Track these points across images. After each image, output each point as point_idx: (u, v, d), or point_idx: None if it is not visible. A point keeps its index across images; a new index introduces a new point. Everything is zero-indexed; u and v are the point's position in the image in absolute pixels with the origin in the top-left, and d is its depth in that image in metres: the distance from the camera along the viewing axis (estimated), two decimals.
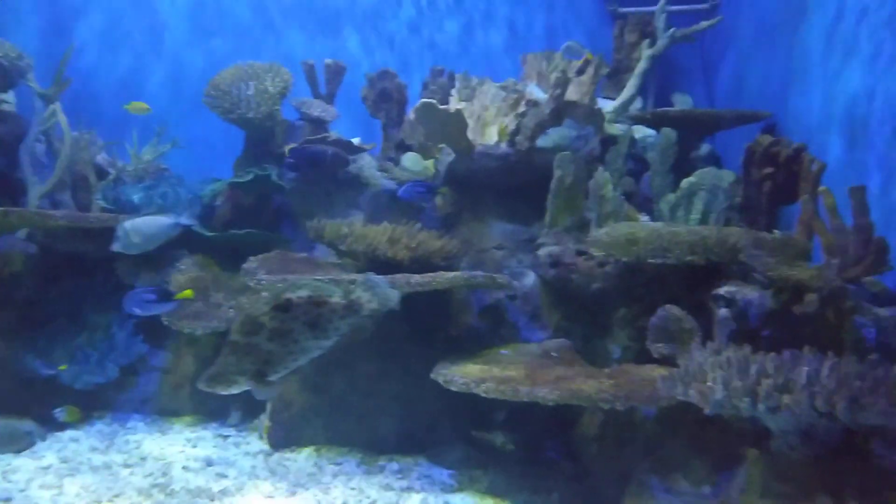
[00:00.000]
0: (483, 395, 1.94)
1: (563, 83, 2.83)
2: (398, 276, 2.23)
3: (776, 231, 2.29)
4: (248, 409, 2.71)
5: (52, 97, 3.15)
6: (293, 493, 2.14)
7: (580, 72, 3.14)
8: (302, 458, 2.40)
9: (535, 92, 3.14)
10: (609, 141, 3.09)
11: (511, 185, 2.96)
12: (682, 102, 4.26)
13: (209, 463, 2.37)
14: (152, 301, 2.38)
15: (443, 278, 2.23)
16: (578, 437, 2.24)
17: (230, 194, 3.09)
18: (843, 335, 1.83)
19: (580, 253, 2.45)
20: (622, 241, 2.19)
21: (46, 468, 2.29)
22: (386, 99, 3.68)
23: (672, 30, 3.86)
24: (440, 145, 3.11)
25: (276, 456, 2.43)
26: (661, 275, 2.26)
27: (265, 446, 2.51)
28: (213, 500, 2.09)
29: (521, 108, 2.91)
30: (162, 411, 2.78)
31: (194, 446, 2.51)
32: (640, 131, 3.36)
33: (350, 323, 1.70)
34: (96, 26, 4.14)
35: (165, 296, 2.42)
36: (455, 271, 2.42)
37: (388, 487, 2.19)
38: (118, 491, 2.12)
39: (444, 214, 3.06)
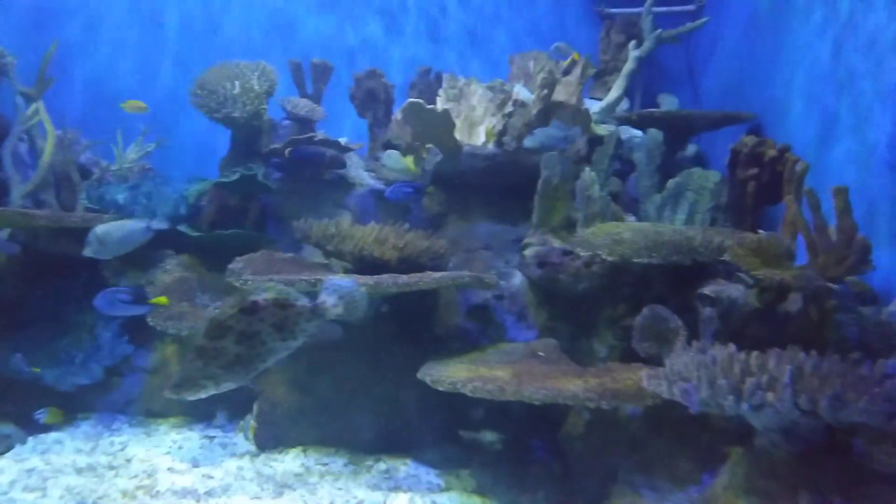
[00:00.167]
0: (470, 394, 1.94)
1: (551, 84, 2.85)
2: (385, 276, 2.23)
3: (761, 231, 2.30)
4: (234, 410, 2.70)
5: (34, 96, 3.12)
6: (280, 494, 2.13)
7: (566, 72, 3.16)
8: (289, 459, 2.39)
9: (522, 92, 3.15)
10: (596, 141, 3.10)
11: (498, 186, 2.96)
12: (668, 103, 4.28)
13: (195, 464, 2.35)
14: (127, 302, 2.36)
15: (430, 278, 2.22)
16: (565, 436, 2.24)
17: (216, 194, 3.07)
18: (826, 334, 1.85)
19: (567, 253, 2.46)
20: (608, 242, 2.20)
21: (30, 471, 2.26)
22: (373, 99, 3.68)
23: (658, 31, 3.89)
24: (428, 145, 3.11)
25: (263, 457, 2.42)
26: (647, 274, 2.27)
27: (252, 447, 2.49)
28: (198, 501, 2.08)
29: (509, 109, 2.92)
30: (147, 412, 2.76)
31: (180, 447, 2.50)
32: (627, 132, 3.38)
33: (317, 325, 1.72)
34: (83, 23, 4.11)
35: (140, 298, 2.40)
36: (442, 271, 2.42)
37: (375, 487, 2.19)
38: (102, 493, 2.10)
39: (432, 214, 3.07)
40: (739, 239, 2.10)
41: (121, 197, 2.89)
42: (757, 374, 1.51)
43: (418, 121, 2.82)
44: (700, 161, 3.48)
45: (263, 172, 3.06)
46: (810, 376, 1.49)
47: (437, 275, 2.28)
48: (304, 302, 1.68)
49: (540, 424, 2.36)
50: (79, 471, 2.27)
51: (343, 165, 3.20)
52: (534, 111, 2.86)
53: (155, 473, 2.27)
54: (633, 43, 3.90)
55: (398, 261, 2.44)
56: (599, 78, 4.31)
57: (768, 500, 1.57)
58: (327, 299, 1.72)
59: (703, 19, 3.99)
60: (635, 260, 2.13)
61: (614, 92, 3.72)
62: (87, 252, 2.51)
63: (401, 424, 2.45)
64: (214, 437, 2.61)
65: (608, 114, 3.59)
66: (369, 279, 2.18)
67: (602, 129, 3.27)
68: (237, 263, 2.38)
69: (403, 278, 2.20)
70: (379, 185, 3.21)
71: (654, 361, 2.00)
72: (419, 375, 2.14)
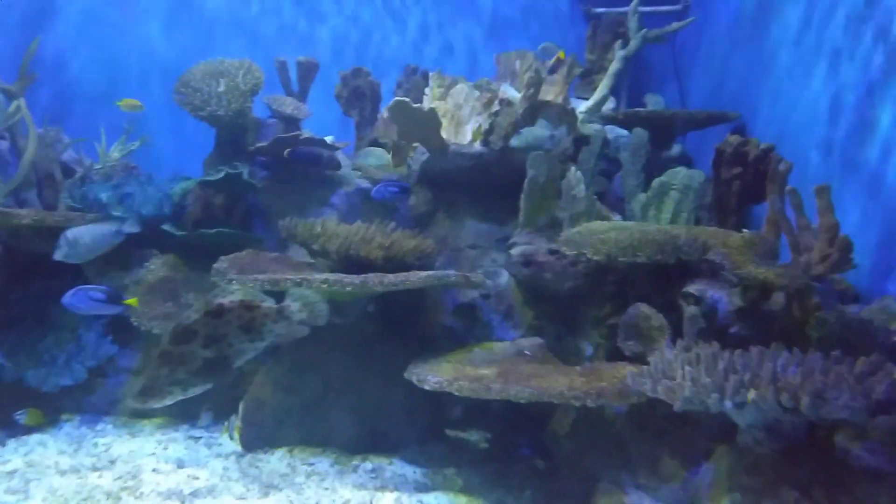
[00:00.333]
0: (456, 393, 1.94)
1: (537, 83, 2.85)
2: (371, 275, 2.23)
3: (745, 230, 2.32)
4: (219, 411, 2.68)
5: (15, 93, 3.08)
6: (266, 494, 2.13)
7: (552, 71, 3.16)
8: (275, 459, 2.38)
9: (509, 91, 3.16)
10: (582, 141, 3.11)
11: (485, 185, 2.97)
12: (654, 103, 4.30)
13: (180, 465, 2.34)
14: (100, 301, 2.34)
15: (416, 277, 2.22)
16: (551, 435, 2.25)
17: (200, 193, 3.05)
18: (809, 332, 1.86)
19: (553, 252, 2.47)
20: (594, 241, 2.21)
21: (12, 473, 2.24)
22: (359, 97, 3.68)
23: (644, 30, 3.90)
24: (414, 144, 3.11)
25: (249, 457, 2.41)
26: (632, 273, 2.29)
27: (237, 447, 2.48)
28: (183, 502, 2.07)
29: (495, 108, 2.92)
30: (132, 413, 2.74)
31: (165, 448, 2.48)
32: (613, 131, 3.39)
33: (284, 326, 1.73)
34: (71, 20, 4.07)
35: (114, 298, 2.38)
36: (429, 270, 2.42)
37: (361, 487, 2.19)
38: (86, 495, 2.08)
39: (419, 213, 3.06)
40: (723, 238, 2.11)
41: (104, 196, 2.86)
42: (740, 373, 1.52)
43: (404, 119, 2.82)
44: (685, 160, 3.50)
45: (249, 171, 3.04)
46: (793, 374, 1.50)
47: (424, 274, 2.28)
48: (270, 303, 1.68)
49: (526, 423, 2.37)
50: (62, 472, 2.25)
51: (339, 166, 3.20)
52: (520, 110, 2.86)
53: (139, 474, 2.25)
54: (619, 42, 3.91)
55: (384, 260, 2.43)
56: (586, 77, 4.32)
57: (752, 496, 1.59)
58: (292, 305, 1.73)
59: (689, 19, 4.00)
60: (620, 259, 2.14)
61: (600, 91, 3.73)
62: (58, 255, 2.49)
63: (387, 424, 2.45)
64: (200, 437, 2.59)
65: (594, 113, 3.59)
66: (355, 278, 2.17)
67: (588, 129, 3.28)
68: (222, 263, 2.36)
69: (389, 277, 2.20)
70: (365, 184, 3.20)
71: (639, 360, 2.01)
72: (405, 375, 2.14)
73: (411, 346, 2.45)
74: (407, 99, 2.77)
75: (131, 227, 2.59)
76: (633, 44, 3.89)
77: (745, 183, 2.57)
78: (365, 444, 2.42)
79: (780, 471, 1.58)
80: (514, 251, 2.56)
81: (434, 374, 2.05)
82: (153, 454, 2.43)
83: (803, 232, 1.90)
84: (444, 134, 2.94)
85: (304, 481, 2.22)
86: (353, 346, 2.48)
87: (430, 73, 3.39)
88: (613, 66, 3.80)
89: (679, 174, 2.69)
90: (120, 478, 2.22)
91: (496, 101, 2.95)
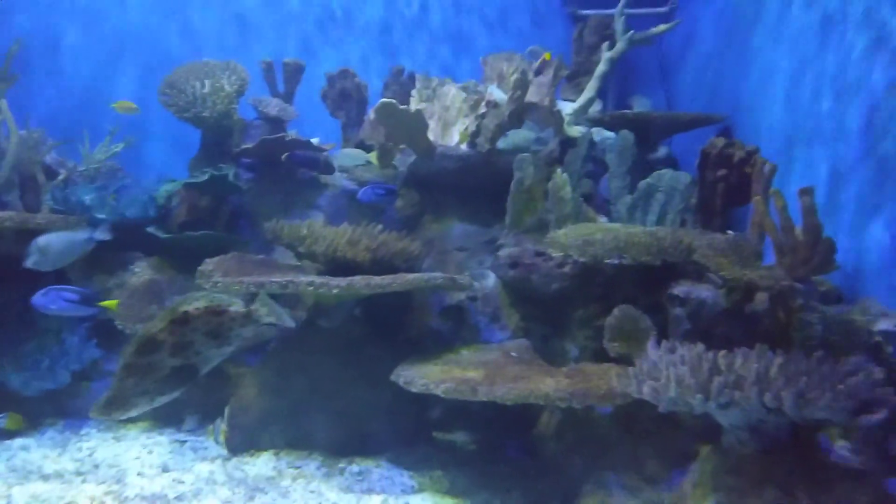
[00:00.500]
0: (443, 395, 1.94)
1: (523, 85, 2.86)
2: (357, 277, 2.22)
3: (730, 232, 2.34)
4: (204, 414, 2.67)
5: None
6: (251, 498, 2.12)
7: (537, 72, 3.17)
8: (261, 463, 2.37)
9: (496, 93, 3.16)
10: (568, 143, 3.12)
11: (472, 187, 2.97)
12: (640, 105, 4.33)
13: (165, 469, 2.32)
14: (73, 302, 2.32)
15: (403, 280, 2.22)
16: (537, 436, 2.26)
17: (186, 195, 3.03)
18: (792, 333, 1.88)
19: (539, 254, 2.47)
20: (580, 242, 2.21)
21: None
22: (346, 98, 3.67)
23: (631, 32, 3.92)
24: (401, 146, 3.11)
25: (235, 460, 2.40)
26: (618, 275, 2.30)
27: (223, 451, 2.47)
28: None
29: (482, 110, 2.93)
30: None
31: (150, 452, 2.46)
32: (600, 133, 3.40)
33: (251, 330, 1.73)
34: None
35: (88, 300, 2.36)
36: (416, 273, 2.42)
37: (348, 490, 2.18)
38: (70, 499, 2.06)
39: (406, 215, 3.06)
40: (709, 240, 2.12)
41: (87, 198, 2.84)
42: (724, 373, 1.53)
43: (391, 121, 2.82)
44: (671, 162, 3.52)
45: (234, 173, 3.03)
46: (776, 375, 1.51)
47: (411, 276, 2.28)
48: (237, 307, 1.67)
49: (507, 424, 2.37)
50: (45, 477, 2.23)
51: (334, 170, 3.21)
52: (507, 112, 2.87)
53: (124, 479, 2.23)
54: (605, 44, 3.93)
55: (371, 262, 2.43)
56: (572, 79, 4.33)
57: (736, 496, 1.60)
58: (261, 308, 1.73)
59: (675, 21, 4.03)
60: (606, 260, 2.15)
61: (587, 93, 3.75)
62: (29, 263, 2.46)
63: (374, 426, 2.44)
64: (185, 441, 2.58)
65: (581, 115, 3.61)
66: (342, 281, 2.17)
67: (575, 131, 3.29)
68: (207, 265, 2.35)
69: (376, 280, 2.20)
70: (352, 186, 3.19)
71: (625, 361, 2.02)
72: (392, 377, 2.14)
73: (398, 348, 2.45)
74: (394, 100, 2.77)
75: (103, 234, 2.57)
76: (619, 46, 3.91)
77: (730, 185, 2.59)
78: (351, 447, 2.42)
79: (763, 471, 1.59)
80: (501, 253, 2.57)
81: (421, 377, 2.04)
82: (138, 458, 2.41)
83: (787, 233, 1.91)
84: (430, 136, 2.94)
85: (291, 484, 2.21)
86: (340, 348, 2.48)
87: (417, 75, 3.39)
88: (600, 69, 3.82)
89: (665, 176, 2.71)
90: (104, 482, 2.20)
91: (483, 104, 2.96)
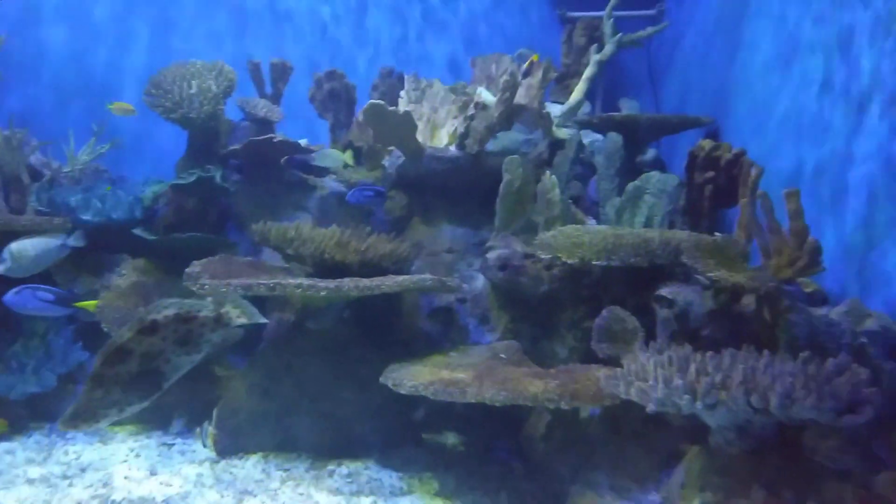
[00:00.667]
0: (432, 397, 1.94)
1: (513, 87, 2.86)
2: (346, 279, 2.22)
3: (717, 233, 2.35)
4: (191, 417, 2.65)
5: None
6: (240, 501, 2.10)
7: (525, 74, 3.18)
8: (249, 465, 2.36)
9: (485, 95, 3.17)
10: (557, 145, 3.14)
11: (461, 188, 2.97)
12: (629, 107, 4.35)
13: (153, 472, 2.31)
14: (48, 301, 2.30)
15: (392, 282, 2.22)
16: (526, 437, 2.26)
17: (173, 196, 3.01)
18: (779, 334, 1.89)
19: (528, 256, 2.48)
20: (569, 244, 2.22)
21: None
22: (334, 100, 3.66)
23: (619, 35, 3.94)
24: (389, 147, 3.11)
25: (223, 463, 2.38)
26: (607, 277, 2.30)
27: (211, 454, 2.45)
28: None
29: (471, 112, 2.93)
30: None
31: (137, 455, 2.45)
32: (588, 136, 3.42)
33: (221, 334, 1.71)
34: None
35: (64, 300, 2.34)
36: (405, 275, 2.42)
37: (336, 492, 2.18)
38: (56, 503, 2.05)
39: (395, 217, 3.06)
40: (696, 241, 2.14)
41: (73, 199, 2.81)
42: (712, 374, 1.54)
43: (379, 122, 2.81)
44: (659, 165, 3.54)
45: (221, 174, 3.01)
46: (762, 375, 1.52)
47: (400, 278, 2.27)
48: (206, 312, 1.66)
49: (502, 426, 2.37)
50: (30, 481, 2.21)
51: (327, 172, 3.20)
52: (496, 114, 2.87)
53: (111, 482, 2.21)
54: (594, 47, 3.95)
55: (360, 264, 2.43)
56: (561, 81, 4.35)
57: (723, 495, 1.61)
58: (232, 311, 1.72)
59: (664, 24, 4.05)
60: (595, 262, 2.16)
61: (576, 95, 3.76)
62: (1, 269, 2.45)
63: (363, 428, 2.44)
64: (173, 444, 2.56)
65: (569, 117, 3.62)
66: (330, 283, 2.16)
67: (563, 133, 3.31)
68: (194, 267, 2.34)
69: (365, 282, 2.19)
70: (340, 188, 3.19)
71: (613, 362, 2.03)
72: (381, 379, 2.13)
73: (387, 350, 2.44)
74: (382, 102, 2.76)
75: (76, 241, 2.55)
76: (607, 48, 3.93)
77: (718, 187, 2.60)
78: (340, 449, 2.41)
79: (750, 470, 1.60)
80: (490, 255, 2.57)
81: (410, 378, 2.04)
82: (125, 461, 2.39)
83: (774, 235, 1.93)
84: (419, 137, 2.94)
85: (279, 487, 2.20)
86: (329, 350, 2.47)
87: (406, 76, 3.39)
88: (588, 71, 3.84)
89: (653, 178, 2.72)
90: (91, 486, 2.18)
91: (472, 105, 2.96)
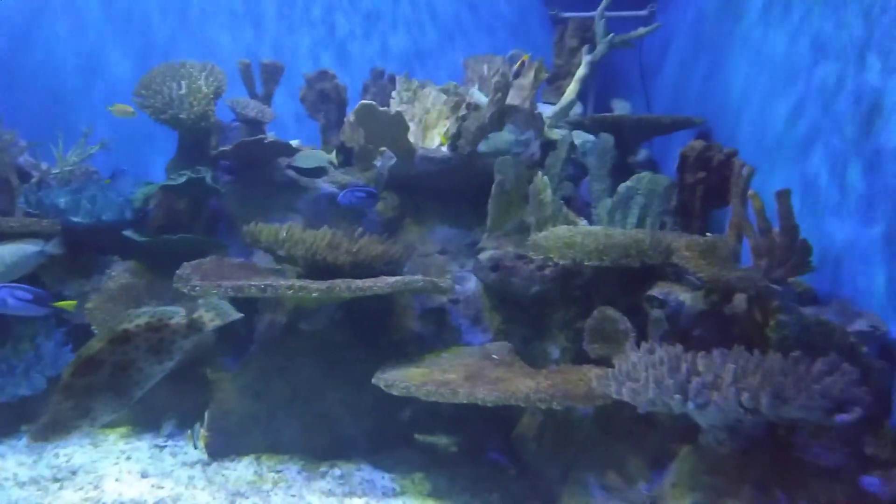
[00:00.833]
0: (424, 398, 1.94)
1: (504, 87, 2.86)
2: (338, 280, 2.21)
3: (709, 234, 2.36)
4: (183, 419, 2.64)
5: None
6: (232, 502, 2.10)
7: (516, 75, 3.18)
8: (241, 467, 2.35)
9: (476, 96, 3.17)
10: (549, 146, 3.14)
11: (453, 189, 2.97)
12: (621, 108, 4.35)
13: (144, 474, 2.30)
14: (26, 300, 2.28)
15: (384, 283, 2.21)
16: (518, 438, 2.26)
17: (163, 198, 3.00)
18: (769, 333, 1.90)
19: (520, 257, 2.48)
20: (560, 245, 2.23)
21: None
22: (325, 100, 3.65)
23: (611, 35, 3.95)
24: (381, 148, 3.10)
25: (215, 465, 2.37)
26: (598, 277, 2.31)
27: (203, 456, 2.44)
28: None
29: (463, 112, 2.93)
30: None
31: (128, 458, 2.43)
32: (580, 136, 3.42)
33: (194, 340, 1.70)
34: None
35: (42, 300, 2.32)
36: (397, 276, 2.41)
37: (329, 493, 2.17)
38: None
39: (387, 219, 3.05)
40: (687, 242, 2.14)
41: (62, 201, 2.80)
42: (702, 374, 1.54)
43: (371, 123, 2.81)
44: (651, 165, 3.55)
45: (212, 175, 3.00)
46: (753, 375, 1.53)
47: (391, 280, 2.27)
48: (178, 318, 1.65)
49: (494, 426, 2.37)
50: (21, 484, 2.20)
51: (326, 173, 3.19)
52: (488, 115, 2.87)
53: (101, 485, 2.20)
54: (586, 47, 3.95)
55: (352, 266, 2.42)
56: (553, 82, 4.35)
57: (714, 495, 1.61)
58: (205, 314, 1.71)
59: (655, 24, 4.06)
60: (587, 263, 2.16)
61: (567, 96, 3.76)
62: None
63: (355, 430, 2.43)
64: (164, 446, 2.55)
65: (561, 118, 3.63)
66: (322, 284, 2.16)
67: (555, 134, 3.31)
68: (185, 269, 2.32)
69: (357, 283, 2.19)
70: (332, 189, 3.18)
71: (605, 362, 2.03)
72: (374, 380, 2.13)
73: (379, 351, 2.44)
74: (373, 102, 2.76)
75: (54, 248, 2.54)
76: (599, 49, 3.94)
77: (709, 187, 2.61)
78: (333, 451, 2.41)
79: (741, 470, 1.61)
80: (482, 256, 2.57)
81: (402, 379, 2.04)
82: (116, 464, 2.38)
83: (764, 235, 1.94)
84: (411, 138, 2.93)
85: (272, 489, 2.20)
86: (321, 352, 2.46)
87: (398, 77, 3.39)
88: (580, 71, 3.84)
89: (644, 179, 2.73)
90: (81, 489, 2.17)
91: (464, 106, 2.96)
